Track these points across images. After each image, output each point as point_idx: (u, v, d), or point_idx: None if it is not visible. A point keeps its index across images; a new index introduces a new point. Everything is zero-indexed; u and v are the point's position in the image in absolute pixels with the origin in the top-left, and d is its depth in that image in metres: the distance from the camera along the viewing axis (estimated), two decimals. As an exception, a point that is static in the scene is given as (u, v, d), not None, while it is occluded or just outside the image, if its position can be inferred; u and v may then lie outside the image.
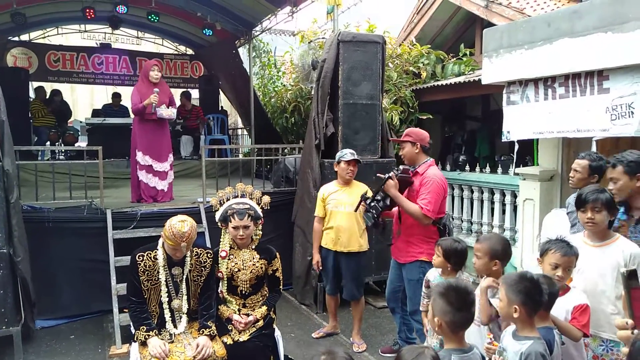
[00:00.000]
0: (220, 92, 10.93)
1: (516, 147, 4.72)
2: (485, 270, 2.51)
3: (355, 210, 3.87)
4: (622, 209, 2.65)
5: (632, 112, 3.51)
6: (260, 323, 3.16)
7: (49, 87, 9.79)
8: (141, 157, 5.32)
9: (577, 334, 2.20)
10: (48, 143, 8.75)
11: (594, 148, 4.18)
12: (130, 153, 5.50)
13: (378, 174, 3.79)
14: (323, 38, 7.49)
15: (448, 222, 3.64)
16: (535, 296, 1.96)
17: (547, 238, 2.55)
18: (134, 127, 5.45)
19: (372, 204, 3.59)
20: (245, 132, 10.78)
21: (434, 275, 3.06)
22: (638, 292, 1.38)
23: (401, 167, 3.62)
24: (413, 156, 3.63)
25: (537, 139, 4.98)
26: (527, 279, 1.98)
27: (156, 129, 5.39)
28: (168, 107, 5.38)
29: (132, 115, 5.93)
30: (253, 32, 8.93)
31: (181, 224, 2.82)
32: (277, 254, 3.35)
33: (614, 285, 2.39)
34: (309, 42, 7.54)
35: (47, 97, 9.25)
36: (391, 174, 3.53)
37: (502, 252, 2.50)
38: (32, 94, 9.61)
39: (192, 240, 2.90)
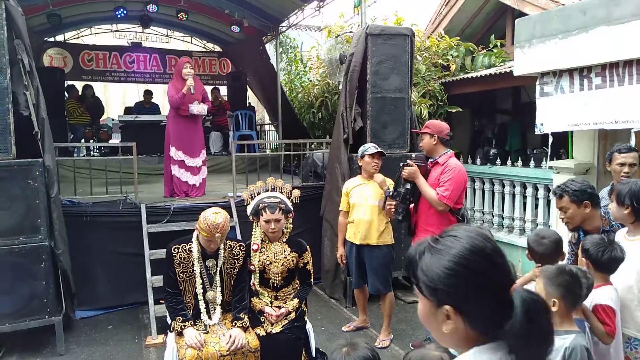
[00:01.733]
0: (248, 89, 11.04)
1: (550, 139, 4.61)
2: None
3: (383, 208, 3.89)
4: (581, 236, 2.70)
5: (674, 102, 3.39)
6: (292, 315, 3.20)
7: (80, 84, 10.08)
8: (174, 153, 5.45)
9: (605, 338, 2.15)
10: (83, 140, 9.03)
11: (632, 140, 4.05)
12: (164, 149, 5.63)
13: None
14: (350, 32, 7.47)
15: (466, 212, 3.64)
16: (575, 290, 1.93)
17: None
18: (168, 123, 5.58)
19: (397, 197, 3.64)
20: (273, 128, 10.87)
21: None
22: None
23: (413, 154, 3.66)
24: (431, 148, 3.68)
25: (572, 132, 4.85)
26: (567, 272, 1.96)
27: (189, 125, 5.50)
28: (200, 104, 5.48)
29: (164, 112, 6.05)
30: (280, 27, 8.98)
31: (215, 216, 2.88)
32: (308, 247, 3.38)
33: None
34: (336, 37, 7.53)
35: (80, 93, 9.54)
36: (407, 161, 3.63)
37: (529, 244, 2.53)
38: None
39: (226, 232, 2.96)
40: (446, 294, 0.96)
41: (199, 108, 5.43)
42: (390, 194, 3.75)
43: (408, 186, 3.62)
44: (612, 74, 3.87)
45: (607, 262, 2.20)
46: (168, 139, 5.51)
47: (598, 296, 2.19)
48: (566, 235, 2.92)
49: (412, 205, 3.74)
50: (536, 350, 0.94)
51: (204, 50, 11.95)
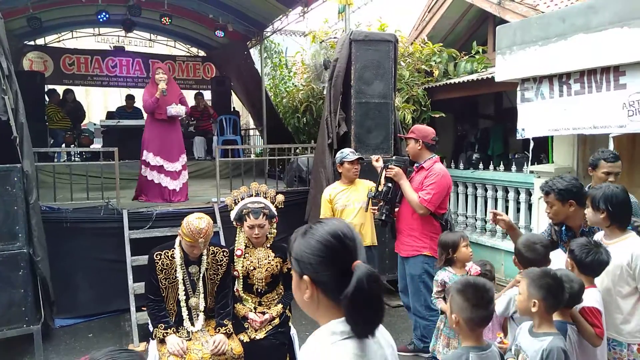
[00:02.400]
0: (232, 93, 11.00)
1: (531, 144, 4.68)
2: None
3: (366, 210, 3.91)
4: (564, 230, 2.82)
5: (650, 108, 3.47)
6: (276, 321, 3.18)
7: (61, 89, 9.94)
8: (152, 158, 5.42)
9: (594, 340, 2.16)
10: (63, 145, 8.89)
11: (611, 145, 4.14)
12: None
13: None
14: (334, 38, 7.51)
15: (450, 218, 3.66)
16: (557, 293, 1.95)
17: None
18: (146, 128, 5.57)
19: (380, 196, 3.68)
20: (257, 133, 10.83)
21: (448, 276, 3.07)
22: None
23: (394, 157, 3.69)
24: (416, 152, 3.71)
25: (552, 136, 4.94)
26: (550, 276, 1.98)
27: (167, 129, 5.48)
28: (177, 105, 5.48)
29: (144, 116, 6.01)
30: (264, 32, 8.98)
31: (198, 221, 2.85)
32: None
33: (618, 284, 2.37)
34: (320, 42, 7.56)
35: (61, 98, 9.39)
36: (388, 163, 3.68)
37: (518, 249, 2.55)
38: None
39: (209, 237, 2.93)
40: (306, 266, 1.18)
41: (176, 109, 5.40)
42: (373, 195, 3.76)
43: (390, 184, 3.65)
44: (590, 80, 3.96)
45: (591, 264, 2.23)
46: (145, 144, 5.49)
47: (584, 299, 2.21)
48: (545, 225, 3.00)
49: (397, 209, 3.76)
50: (369, 314, 1.13)
51: (188, 54, 11.88)
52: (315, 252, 1.17)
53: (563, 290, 1.97)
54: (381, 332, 1.25)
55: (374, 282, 1.12)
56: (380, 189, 3.71)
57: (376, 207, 3.79)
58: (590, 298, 2.23)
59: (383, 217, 3.69)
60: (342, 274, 1.13)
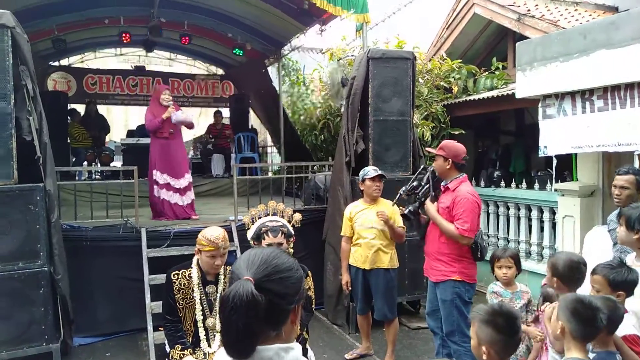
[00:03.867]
0: (250, 111, 11.10)
1: (554, 162, 4.58)
2: (550, 285, 2.53)
3: (393, 205, 3.95)
4: None
5: (678, 125, 3.37)
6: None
7: (82, 107, 10.17)
8: (159, 176, 5.48)
9: None
10: (85, 163, 9.05)
11: (636, 163, 4.02)
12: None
13: (400, 207, 3.94)
14: (352, 55, 7.53)
15: (480, 240, 3.53)
16: (585, 320, 1.84)
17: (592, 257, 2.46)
18: (151, 147, 5.63)
19: (409, 191, 3.70)
20: (275, 150, 10.88)
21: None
22: None
23: (411, 207, 3.67)
24: (444, 171, 3.53)
25: (576, 154, 4.83)
26: (580, 301, 1.87)
27: (171, 146, 5.55)
28: (183, 122, 5.57)
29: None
30: (282, 51, 9.06)
31: (212, 229, 2.88)
32: (309, 272, 3.32)
33: None
34: (338, 60, 7.59)
35: (84, 112, 9.60)
36: (411, 208, 3.65)
37: (562, 270, 2.42)
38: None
39: (228, 244, 2.92)
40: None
41: (183, 115, 5.47)
42: (404, 190, 3.75)
43: (422, 183, 3.63)
44: (614, 97, 3.87)
45: (623, 283, 2.15)
46: (152, 163, 5.56)
47: (622, 326, 2.11)
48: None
49: (425, 232, 3.69)
50: (230, 332, 1.07)
51: (207, 73, 12.06)
52: (234, 267, 1.20)
53: (594, 318, 1.86)
54: None
55: (243, 301, 1.05)
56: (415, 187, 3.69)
57: (403, 207, 3.77)
58: (628, 323, 2.13)
59: (406, 212, 3.64)
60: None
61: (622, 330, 2.10)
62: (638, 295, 2.31)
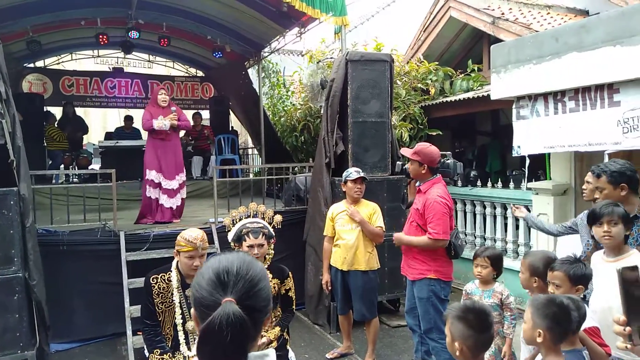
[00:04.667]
0: (231, 113, 11.06)
1: (527, 161, 4.69)
2: (528, 286, 2.52)
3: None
4: None
5: (645, 125, 3.49)
6: (274, 344, 3.13)
7: (58, 110, 10.00)
8: (155, 175, 5.47)
9: (603, 356, 2.09)
10: (62, 166, 8.89)
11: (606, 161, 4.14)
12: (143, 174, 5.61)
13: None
14: (331, 58, 7.58)
15: (454, 239, 3.59)
16: (564, 322, 1.85)
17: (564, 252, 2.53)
18: (146, 147, 5.62)
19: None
20: (256, 152, 10.86)
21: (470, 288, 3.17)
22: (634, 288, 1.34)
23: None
24: (419, 175, 3.61)
25: (549, 154, 4.95)
26: (556, 304, 1.87)
27: (166, 147, 5.52)
28: (178, 126, 5.56)
29: (144, 137, 6.05)
30: (262, 53, 9.07)
31: (191, 230, 2.88)
32: (290, 273, 3.34)
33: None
34: (317, 62, 7.63)
35: (62, 114, 9.43)
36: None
37: (542, 269, 2.45)
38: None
39: (206, 247, 2.91)
40: (192, 298, 1.17)
41: (159, 123, 5.41)
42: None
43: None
44: (585, 98, 3.99)
45: (582, 278, 2.21)
46: (146, 163, 5.52)
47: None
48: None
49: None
50: (215, 355, 1.04)
51: (186, 75, 11.97)
52: (196, 287, 1.15)
53: (570, 318, 1.86)
54: None
55: (232, 325, 1.02)
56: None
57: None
58: (587, 318, 2.17)
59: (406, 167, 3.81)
60: (207, 309, 1.08)
61: (585, 324, 2.14)
62: (594, 288, 2.39)
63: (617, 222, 2.35)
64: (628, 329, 1.33)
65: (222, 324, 1.02)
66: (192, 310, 1.17)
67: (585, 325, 2.13)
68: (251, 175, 10.55)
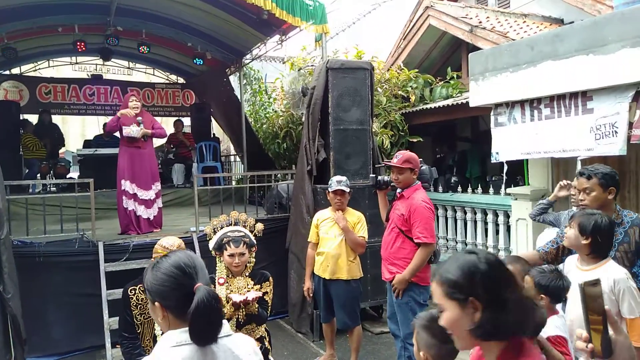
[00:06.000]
0: (212, 120, 10.99)
1: (505, 167, 4.77)
2: None
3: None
4: None
5: (616, 132, 3.58)
6: (255, 307, 3.06)
7: (35, 117, 9.81)
8: (128, 186, 5.38)
9: None
10: (39, 175, 8.71)
11: (579, 168, 4.23)
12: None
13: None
14: (312, 65, 7.61)
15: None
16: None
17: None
18: (119, 156, 5.50)
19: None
20: (238, 159, 10.81)
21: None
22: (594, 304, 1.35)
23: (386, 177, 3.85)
24: (410, 182, 3.62)
25: (527, 160, 5.04)
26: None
27: (142, 156, 5.44)
28: (152, 135, 5.49)
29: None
30: (243, 60, 9.06)
31: (169, 238, 2.91)
32: (271, 278, 3.31)
33: None
34: (298, 69, 7.64)
35: (37, 121, 9.26)
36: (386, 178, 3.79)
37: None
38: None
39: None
40: (155, 295, 1.46)
41: (128, 130, 5.36)
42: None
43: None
44: (560, 105, 4.07)
45: (554, 290, 2.21)
46: (120, 173, 5.42)
47: (550, 326, 2.15)
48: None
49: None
50: (208, 327, 1.40)
51: (167, 82, 11.88)
52: (161, 283, 1.44)
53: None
54: (232, 344, 1.49)
55: (212, 300, 1.39)
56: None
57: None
58: (551, 325, 2.17)
59: (379, 179, 3.84)
60: (184, 296, 1.39)
61: (546, 332, 2.13)
62: (572, 299, 2.41)
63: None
64: (590, 345, 1.33)
65: (208, 300, 1.38)
66: (156, 303, 1.44)
67: (549, 333, 2.15)
68: (233, 183, 10.49)
